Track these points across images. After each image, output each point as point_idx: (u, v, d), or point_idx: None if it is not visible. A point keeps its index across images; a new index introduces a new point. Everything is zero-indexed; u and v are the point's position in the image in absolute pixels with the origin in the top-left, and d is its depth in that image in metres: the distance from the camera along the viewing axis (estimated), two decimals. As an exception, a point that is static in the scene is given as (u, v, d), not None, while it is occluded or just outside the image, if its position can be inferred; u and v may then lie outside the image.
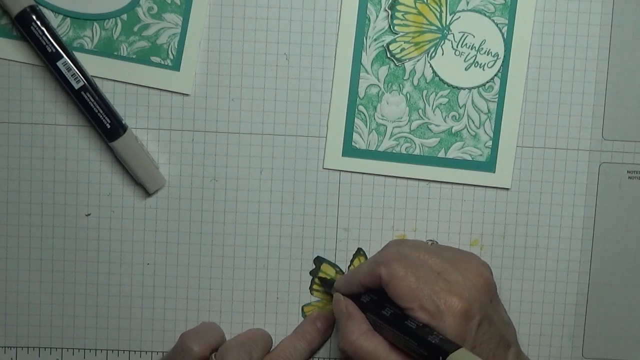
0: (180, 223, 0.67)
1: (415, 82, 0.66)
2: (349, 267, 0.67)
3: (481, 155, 0.66)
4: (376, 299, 0.62)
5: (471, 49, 0.66)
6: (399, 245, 0.63)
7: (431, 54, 0.66)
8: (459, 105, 0.66)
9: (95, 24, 0.65)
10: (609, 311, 0.67)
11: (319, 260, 0.67)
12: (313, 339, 0.67)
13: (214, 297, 0.68)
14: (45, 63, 0.65)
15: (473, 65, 0.66)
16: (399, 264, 0.60)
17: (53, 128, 0.66)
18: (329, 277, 0.67)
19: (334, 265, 0.67)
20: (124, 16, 0.65)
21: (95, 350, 0.68)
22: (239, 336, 0.67)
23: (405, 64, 0.66)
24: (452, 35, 0.66)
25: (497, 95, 0.66)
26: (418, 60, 0.66)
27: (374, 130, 0.66)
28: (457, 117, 0.66)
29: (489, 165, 0.66)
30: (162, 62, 0.66)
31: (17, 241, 0.67)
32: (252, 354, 0.64)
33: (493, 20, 0.65)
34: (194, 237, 0.67)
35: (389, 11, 0.65)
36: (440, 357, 0.55)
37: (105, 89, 0.66)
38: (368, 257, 0.67)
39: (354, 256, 0.67)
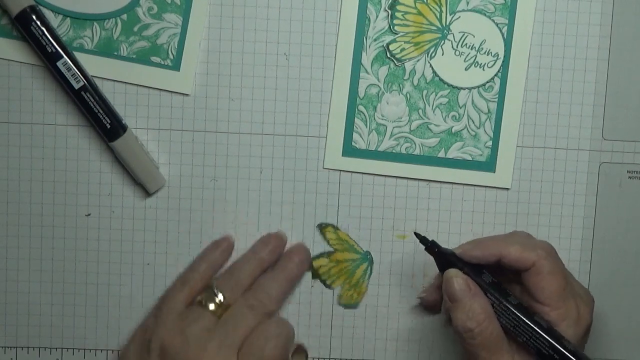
0: (180, 223, 0.67)
1: (415, 82, 0.66)
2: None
3: (481, 155, 0.66)
4: (498, 282, 0.60)
5: (471, 49, 0.66)
6: (547, 243, 0.62)
7: (431, 54, 0.66)
8: (459, 105, 0.66)
9: (95, 24, 0.65)
10: (609, 311, 0.67)
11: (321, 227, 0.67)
12: (289, 269, 0.65)
13: (214, 297, 0.68)
14: (45, 63, 0.65)
15: (473, 65, 0.66)
16: (555, 259, 0.60)
17: (53, 128, 0.66)
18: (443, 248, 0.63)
19: (336, 228, 0.67)
20: (124, 16, 0.65)
21: (95, 350, 0.68)
22: (233, 264, 0.66)
23: (405, 64, 0.66)
24: (452, 35, 0.66)
25: (497, 95, 0.66)
26: (418, 60, 0.66)
27: (374, 130, 0.66)
28: (457, 117, 0.66)
29: (489, 165, 0.66)
30: (162, 62, 0.66)
31: (17, 241, 0.67)
32: (241, 281, 0.64)
33: (493, 20, 0.65)
34: (194, 237, 0.67)
35: (389, 11, 0.65)
36: None
37: (105, 89, 0.66)
38: (348, 232, 0.67)
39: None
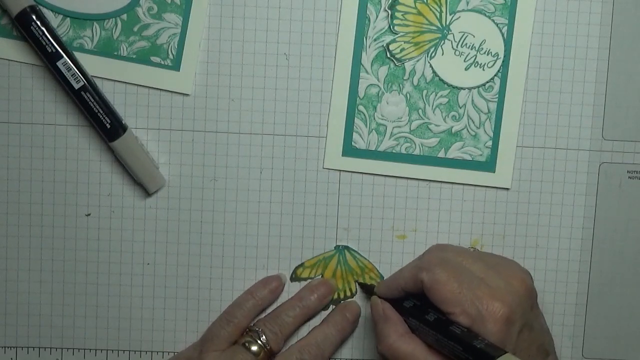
0: (180, 223, 0.67)
1: (415, 82, 0.66)
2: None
3: (481, 155, 0.66)
4: (419, 304, 0.62)
5: (471, 49, 0.66)
6: (441, 251, 0.64)
7: (431, 54, 0.66)
8: (459, 105, 0.66)
9: (95, 24, 0.65)
10: (609, 311, 0.67)
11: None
12: (343, 328, 0.67)
13: (214, 297, 0.68)
14: (45, 63, 0.65)
15: (473, 65, 0.66)
16: (441, 268, 0.60)
17: (53, 128, 0.66)
18: (368, 282, 0.67)
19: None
20: (124, 16, 0.65)
21: (95, 350, 0.68)
22: (278, 309, 0.67)
23: (405, 64, 0.66)
24: (452, 35, 0.66)
25: (497, 95, 0.66)
26: (418, 60, 0.66)
27: (374, 130, 0.66)
28: (457, 117, 0.66)
29: (489, 165, 0.66)
30: (162, 62, 0.66)
31: (17, 241, 0.67)
32: (285, 327, 0.66)
33: (493, 20, 0.65)
34: (194, 237, 0.67)
35: (389, 11, 0.65)
36: None
37: (105, 89, 0.66)
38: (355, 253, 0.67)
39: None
